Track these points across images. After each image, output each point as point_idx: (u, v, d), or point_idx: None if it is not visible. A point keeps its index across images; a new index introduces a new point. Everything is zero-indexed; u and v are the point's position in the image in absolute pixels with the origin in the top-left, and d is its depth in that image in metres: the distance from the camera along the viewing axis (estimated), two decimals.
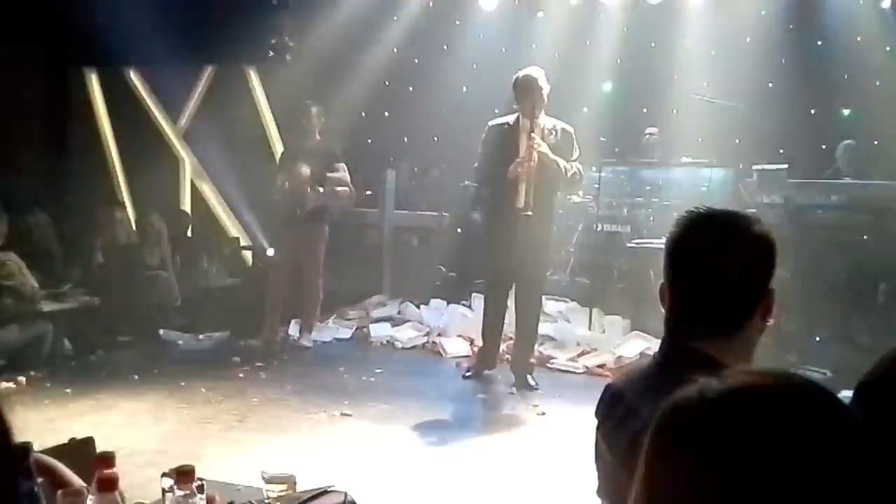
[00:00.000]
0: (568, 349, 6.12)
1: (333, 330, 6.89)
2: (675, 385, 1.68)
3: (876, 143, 7.23)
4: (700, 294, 1.59)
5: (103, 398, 5.10)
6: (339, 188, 6.51)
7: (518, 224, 5.16)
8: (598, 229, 6.95)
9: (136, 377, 5.58)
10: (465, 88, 8.94)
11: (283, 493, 2.05)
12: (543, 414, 4.85)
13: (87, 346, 6.25)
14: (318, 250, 6.50)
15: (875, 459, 0.78)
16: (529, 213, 5.12)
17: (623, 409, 1.70)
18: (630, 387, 1.75)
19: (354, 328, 6.91)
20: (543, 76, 5.32)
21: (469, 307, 6.84)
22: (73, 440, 2.21)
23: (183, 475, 1.73)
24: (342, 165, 6.54)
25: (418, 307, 7.09)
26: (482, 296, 5.92)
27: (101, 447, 2.08)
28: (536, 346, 6.05)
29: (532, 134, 5.18)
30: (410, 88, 9.22)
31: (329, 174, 6.44)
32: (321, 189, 6.41)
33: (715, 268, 1.57)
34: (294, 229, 6.41)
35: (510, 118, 5.43)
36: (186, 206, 8.79)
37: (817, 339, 5.67)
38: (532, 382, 5.45)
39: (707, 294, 1.58)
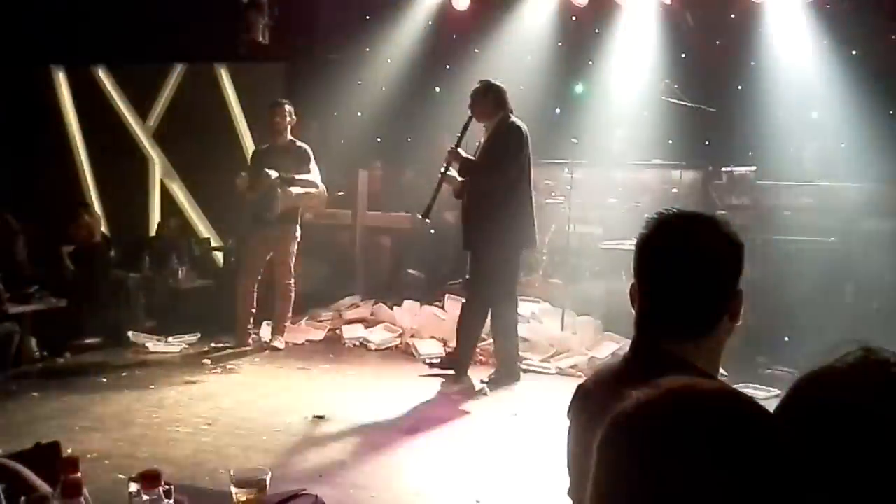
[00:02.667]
0: (540, 350, 6.14)
1: (306, 332, 6.85)
2: (645, 385, 1.69)
3: (843, 145, 7.33)
4: (669, 295, 1.60)
5: (70, 401, 5.02)
6: (310, 189, 6.47)
7: (463, 224, 5.45)
8: (571, 230, 6.98)
9: (105, 380, 5.51)
10: (437, 89, 8.94)
11: (252, 497, 2.03)
12: (516, 415, 4.86)
13: (54, 348, 6.15)
14: (290, 251, 6.45)
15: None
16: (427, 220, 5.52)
17: (593, 410, 1.71)
18: (600, 387, 1.76)
19: (327, 330, 6.87)
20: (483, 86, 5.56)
21: (442, 308, 6.83)
22: (38, 444, 2.17)
23: (149, 479, 1.71)
24: (314, 165, 6.49)
25: (391, 308, 7.07)
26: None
27: (67, 451, 2.05)
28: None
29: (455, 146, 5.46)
30: (383, 89, 9.20)
31: (300, 175, 6.39)
32: (292, 190, 6.36)
33: (684, 269, 1.58)
34: (264, 230, 6.35)
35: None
36: (156, 206, 8.71)
37: (786, 339, 5.74)
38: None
39: (676, 295, 1.59)
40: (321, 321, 7.08)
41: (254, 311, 6.51)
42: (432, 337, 6.53)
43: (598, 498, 0.86)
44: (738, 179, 6.26)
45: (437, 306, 6.92)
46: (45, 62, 9.02)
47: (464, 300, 5.59)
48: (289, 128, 6.45)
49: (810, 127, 7.50)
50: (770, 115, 7.72)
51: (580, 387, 1.79)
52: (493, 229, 5.27)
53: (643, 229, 1.70)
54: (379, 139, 9.08)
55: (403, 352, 6.48)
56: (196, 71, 8.82)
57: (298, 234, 6.50)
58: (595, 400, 1.72)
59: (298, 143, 6.56)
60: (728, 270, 1.60)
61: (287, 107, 6.44)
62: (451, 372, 5.58)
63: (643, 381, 1.69)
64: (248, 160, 6.69)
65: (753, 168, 6.38)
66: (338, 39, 8.86)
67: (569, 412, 1.74)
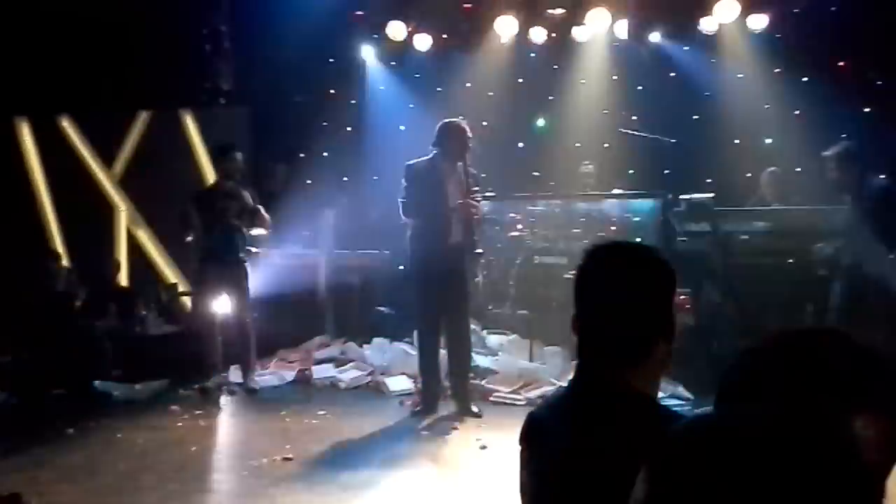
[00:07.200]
0: (509, 381, 6.17)
1: (275, 374, 6.82)
2: (588, 411, 1.75)
3: (798, 169, 7.52)
4: (604, 324, 1.66)
5: (37, 453, 4.95)
6: (262, 230, 6.66)
7: (446, 259, 5.43)
8: (536, 262, 7.06)
9: (71, 430, 5.43)
10: (402, 127, 9.05)
11: None
12: (485, 447, 4.88)
13: (20, 399, 6.07)
14: (247, 289, 6.55)
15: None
16: (480, 250, 5.54)
17: (542, 436, 1.77)
18: (548, 414, 1.82)
19: (297, 371, 6.84)
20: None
21: (412, 344, 6.84)
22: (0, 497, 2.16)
23: None
24: (261, 207, 6.65)
25: (361, 346, 7.07)
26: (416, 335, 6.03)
27: None
28: (480, 381, 6.14)
29: (468, 179, 5.53)
30: (349, 129, 9.29)
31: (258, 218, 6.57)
32: (250, 231, 6.54)
33: (615, 298, 1.64)
34: (222, 270, 6.41)
35: (427, 159, 5.68)
36: (122, 253, 8.66)
37: None
38: (475, 409, 5.59)
39: (610, 323, 1.65)
40: (291, 362, 7.06)
41: (221, 356, 6.52)
42: (402, 373, 6.53)
43: None
44: (696, 206, 6.38)
45: (406, 342, 6.93)
46: (8, 113, 9.00)
47: (457, 328, 5.67)
48: (237, 172, 6.60)
49: (765, 153, 7.69)
50: (726, 142, 7.93)
51: (531, 415, 1.85)
52: (471, 261, 5.72)
53: (580, 261, 1.77)
54: (346, 178, 9.16)
55: (374, 389, 6.47)
56: (161, 117, 8.85)
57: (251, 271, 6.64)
58: (543, 427, 1.78)
59: (244, 185, 6.74)
60: (659, 297, 1.67)
61: (238, 153, 6.63)
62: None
63: (586, 407, 1.76)
64: (191, 202, 6.68)
65: (711, 195, 6.52)
66: (302, 82, 8.96)
67: (520, 439, 1.79)
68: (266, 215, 6.66)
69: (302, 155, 9.23)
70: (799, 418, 0.84)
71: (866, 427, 0.98)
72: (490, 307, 7.47)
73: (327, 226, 7.78)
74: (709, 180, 7.41)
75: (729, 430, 0.83)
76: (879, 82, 7.62)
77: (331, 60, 9.16)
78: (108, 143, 8.89)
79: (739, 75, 8.17)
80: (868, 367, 0.98)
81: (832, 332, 1.03)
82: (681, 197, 6.54)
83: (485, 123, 8.19)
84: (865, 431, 0.97)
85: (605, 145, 7.60)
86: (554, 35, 8.37)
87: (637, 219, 6.96)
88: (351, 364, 6.85)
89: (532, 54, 8.73)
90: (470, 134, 5.62)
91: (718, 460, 0.80)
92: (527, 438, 1.79)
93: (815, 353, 1.01)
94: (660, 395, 1.79)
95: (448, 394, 5.81)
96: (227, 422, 5.66)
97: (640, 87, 8.33)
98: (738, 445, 0.80)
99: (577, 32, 8.26)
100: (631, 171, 7.57)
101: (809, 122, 7.45)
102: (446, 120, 5.72)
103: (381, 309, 7.64)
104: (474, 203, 5.51)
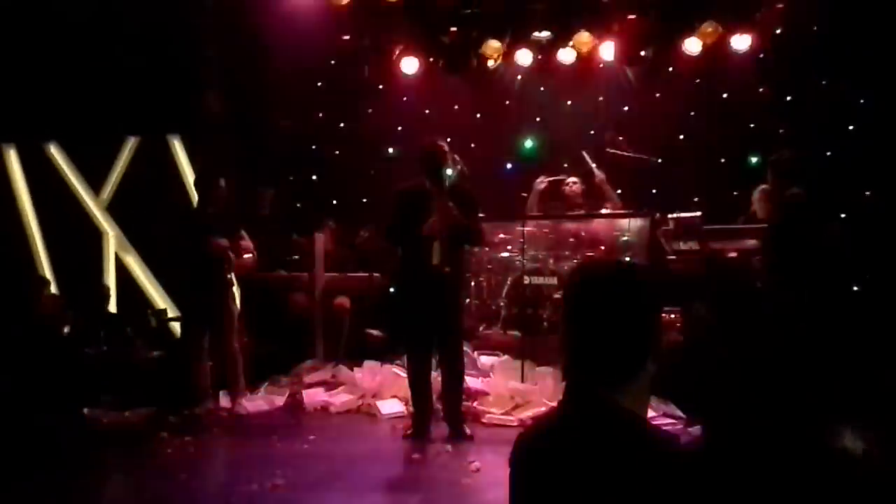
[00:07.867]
0: (501, 403, 6.16)
1: (266, 398, 6.78)
2: (578, 431, 1.76)
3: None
4: (592, 343, 1.67)
5: (23, 482, 4.87)
6: (245, 255, 6.65)
7: (433, 281, 5.41)
8: (526, 282, 7.07)
9: (60, 458, 5.36)
10: (390, 150, 9.08)
11: None
12: (478, 470, 4.85)
13: (6, 429, 5.99)
14: (235, 314, 6.53)
15: None
16: (447, 268, 5.42)
17: (532, 457, 1.77)
18: (538, 435, 1.82)
19: (287, 395, 6.80)
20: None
21: (403, 366, 6.82)
22: None
23: None
24: (244, 233, 6.68)
25: (352, 369, 7.04)
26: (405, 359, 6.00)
27: None
28: (472, 403, 6.13)
29: (443, 195, 5.49)
30: (337, 152, 9.33)
31: (243, 242, 6.60)
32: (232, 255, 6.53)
33: (602, 317, 1.65)
34: (210, 295, 6.39)
35: (415, 183, 5.65)
36: (111, 279, 8.62)
37: None
38: (467, 431, 5.59)
39: (598, 342, 1.66)
40: (281, 387, 7.01)
41: (210, 381, 6.49)
42: (394, 396, 6.50)
43: None
44: (684, 225, 6.42)
45: (398, 364, 6.90)
46: None
47: (448, 351, 5.65)
48: (221, 198, 6.60)
49: (751, 171, 7.76)
50: (712, 161, 7.99)
51: (521, 436, 1.85)
52: (461, 282, 5.73)
53: (567, 280, 1.78)
54: (335, 202, 9.18)
55: (366, 413, 6.43)
56: (149, 143, 8.84)
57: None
58: (532, 447, 1.78)
59: (228, 210, 6.73)
60: (646, 316, 1.68)
61: (222, 180, 6.64)
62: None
63: (576, 427, 1.76)
64: (182, 225, 6.72)
65: (699, 213, 6.56)
66: (290, 106, 9.00)
67: (510, 460, 1.79)
68: (250, 243, 6.67)
69: (291, 179, 9.25)
70: (791, 441, 0.85)
71: (857, 438, 0.99)
72: (481, 328, 7.47)
73: (317, 249, 7.77)
74: (696, 199, 7.46)
75: (724, 457, 0.85)
76: (862, 101, 7.72)
77: (318, 84, 9.21)
78: (95, 169, 8.86)
79: (724, 95, 8.26)
80: (852, 380, 1.00)
81: (816, 349, 1.05)
82: (669, 216, 6.58)
83: (473, 146, 8.25)
84: (855, 444, 0.98)
85: (593, 165, 7.63)
86: (540, 57, 8.45)
87: (626, 238, 6.99)
88: (342, 387, 6.81)
89: (519, 77, 8.81)
90: (446, 149, 5.61)
91: (716, 490, 0.82)
92: (517, 460, 1.79)
93: (802, 369, 1.03)
94: (650, 413, 1.80)
95: (440, 416, 5.79)
96: (217, 448, 5.61)
97: (626, 108, 8.41)
98: (736, 473, 0.81)
99: (563, 55, 8.34)
100: (619, 191, 7.62)
101: (793, 139, 7.53)
102: (423, 143, 5.72)
103: (372, 331, 7.63)
104: (446, 214, 5.43)
